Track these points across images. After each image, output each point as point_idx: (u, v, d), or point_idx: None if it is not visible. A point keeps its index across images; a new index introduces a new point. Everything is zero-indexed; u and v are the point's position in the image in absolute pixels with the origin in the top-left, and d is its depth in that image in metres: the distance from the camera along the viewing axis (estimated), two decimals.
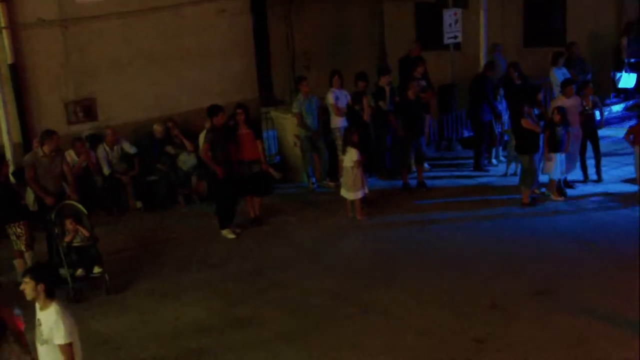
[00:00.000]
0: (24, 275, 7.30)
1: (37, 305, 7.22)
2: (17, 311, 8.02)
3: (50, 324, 7.07)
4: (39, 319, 7.20)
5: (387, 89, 15.49)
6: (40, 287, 7.07)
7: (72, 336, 7.11)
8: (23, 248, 11.76)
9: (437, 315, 10.09)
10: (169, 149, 15.13)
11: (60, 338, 7.04)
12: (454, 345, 9.31)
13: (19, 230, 11.71)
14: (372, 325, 9.95)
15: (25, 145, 14.22)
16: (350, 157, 13.48)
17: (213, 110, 13.02)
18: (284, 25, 21.17)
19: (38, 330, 7.21)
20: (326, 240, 12.95)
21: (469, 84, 16.32)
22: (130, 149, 14.95)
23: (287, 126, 16.13)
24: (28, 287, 7.10)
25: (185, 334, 10.11)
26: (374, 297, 10.71)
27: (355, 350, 9.37)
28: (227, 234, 13.17)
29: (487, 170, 16.03)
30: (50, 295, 7.14)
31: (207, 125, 13.59)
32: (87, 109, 15.23)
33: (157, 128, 15.16)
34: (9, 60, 14.32)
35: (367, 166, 13.99)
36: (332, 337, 9.70)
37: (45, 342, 7.13)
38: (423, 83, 15.71)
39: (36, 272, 7.21)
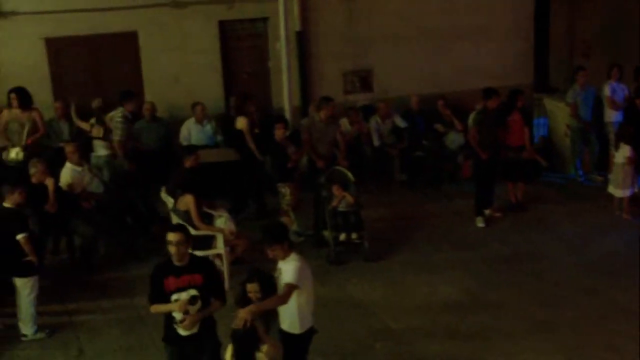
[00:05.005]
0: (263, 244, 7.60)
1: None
2: None
3: (289, 267, 7.36)
4: (279, 269, 7.50)
5: None
6: (281, 246, 7.40)
7: (302, 282, 7.35)
8: (285, 208, 12.38)
9: None
10: (439, 127, 15.31)
11: (289, 278, 7.30)
12: None
13: (284, 190, 12.33)
14: (628, 328, 9.52)
15: (303, 110, 14.92)
16: (622, 153, 13.01)
17: (489, 92, 12.94)
18: (567, 10, 20.58)
19: (279, 281, 7.49)
20: (588, 235, 12.59)
21: None
22: (401, 122, 15.27)
23: (559, 115, 15.81)
24: (274, 252, 7.44)
25: (435, 309, 10.26)
26: (632, 299, 10.24)
27: (609, 351, 9.04)
28: (479, 222, 13.06)
29: None
30: (290, 247, 7.51)
31: (478, 106, 13.60)
32: (363, 79, 15.76)
33: (413, 99, 15.38)
34: (297, 28, 15.03)
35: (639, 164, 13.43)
36: (584, 336, 9.44)
37: None
38: None
39: (273, 237, 7.46)
